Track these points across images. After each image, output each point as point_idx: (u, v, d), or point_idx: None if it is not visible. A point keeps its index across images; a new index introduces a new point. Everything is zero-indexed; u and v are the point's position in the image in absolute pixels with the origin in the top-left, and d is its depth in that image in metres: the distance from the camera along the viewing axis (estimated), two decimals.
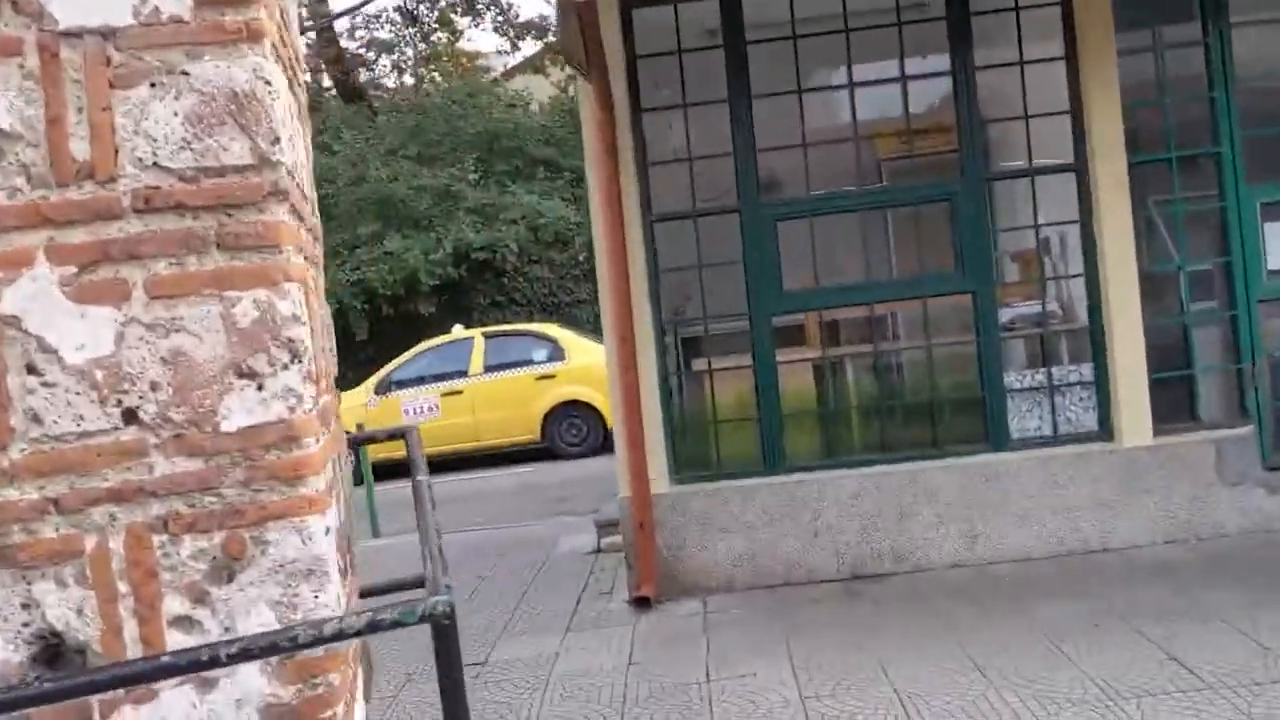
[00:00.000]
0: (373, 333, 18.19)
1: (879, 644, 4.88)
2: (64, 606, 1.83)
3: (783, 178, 6.28)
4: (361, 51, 26.57)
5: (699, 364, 6.28)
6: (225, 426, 1.86)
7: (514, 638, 5.54)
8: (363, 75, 25.87)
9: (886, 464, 6.13)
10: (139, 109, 1.84)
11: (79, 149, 1.83)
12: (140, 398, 1.84)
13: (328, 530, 1.93)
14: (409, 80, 26.90)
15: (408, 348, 15.50)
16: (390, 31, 26.38)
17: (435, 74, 26.47)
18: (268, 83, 1.88)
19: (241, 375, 1.86)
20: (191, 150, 1.85)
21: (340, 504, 2.31)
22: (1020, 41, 6.16)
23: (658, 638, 5.27)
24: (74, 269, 1.82)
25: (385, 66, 27.33)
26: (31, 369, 1.81)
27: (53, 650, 1.86)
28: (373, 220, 19.01)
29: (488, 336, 15.22)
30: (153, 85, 1.85)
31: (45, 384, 1.81)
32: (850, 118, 6.21)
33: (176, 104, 1.85)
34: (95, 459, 1.83)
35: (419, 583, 3.27)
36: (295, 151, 2.08)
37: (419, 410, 14.62)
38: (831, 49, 6.14)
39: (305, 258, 2.17)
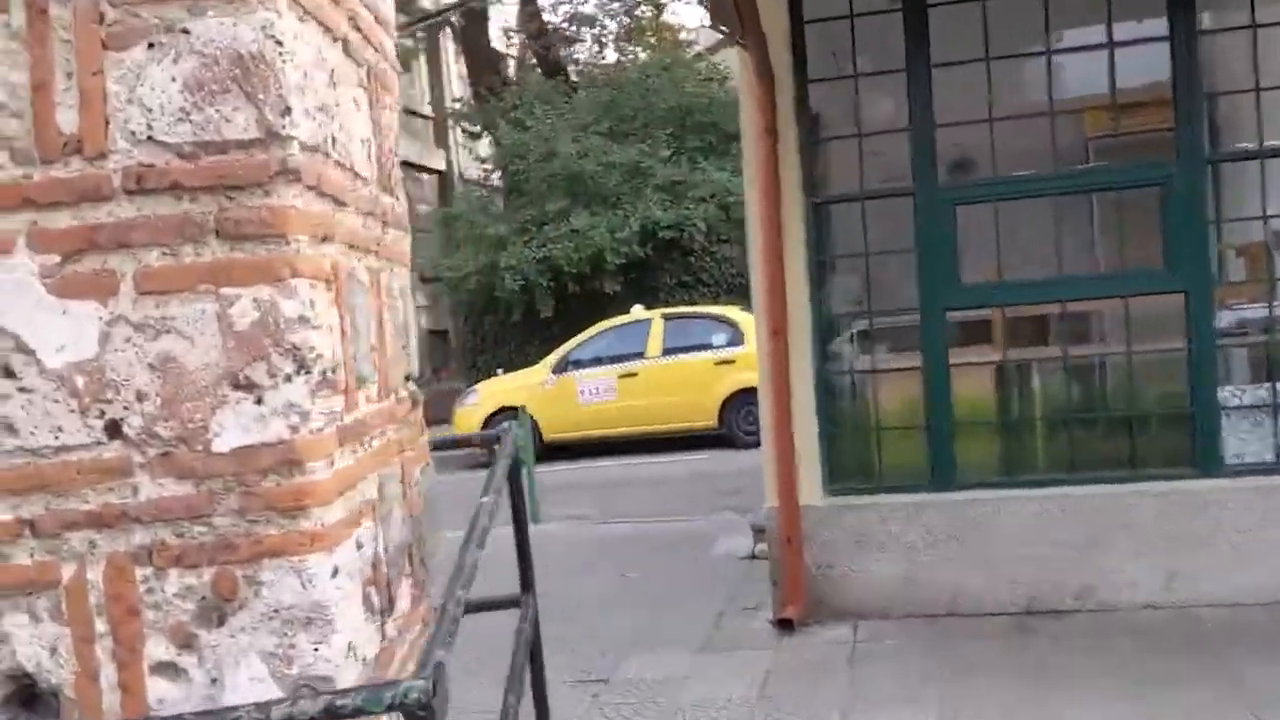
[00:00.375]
0: (558, 311, 18.34)
1: (1050, 694, 4.40)
2: (36, 644, 1.65)
3: (964, 157, 5.79)
4: (564, 26, 26.83)
5: (861, 363, 5.86)
6: (217, 446, 1.64)
7: (644, 652, 5.30)
8: (563, 50, 26.11)
9: (1074, 485, 5.58)
10: (134, 74, 1.64)
11: (66, 120, 1.64)
12: (125, 409, 1.65)
13: (335, 572, 1.70)
14: (611, 55, 27.01)
15: (592, 326, 15.53)
16: (594, 5, 26.55)
17: (637, 49, 26.49)
18: (278, 42, 1.64)
19: (237, 387, 1.64)
20: (190, 122, 1.64)
21: (391, 526, 2.09)
22: (1252, 1, 5.46)
23: (797, 667, 4.93)
24: (57, 258, 1.64)
25: (587, 40, 27.53)
26: (8, 372, 1.64)
27: (28, 692, 1.69)
28: (561, 197, 19.15)
29: (666, 318, 15.09)
30: (150, 46, 1.64)
31: (22, 389, 1.64)
32: (1045, 90, 5.65)
33: (175, 68, 1.64)
34: (75, 477, 1.65)
35: (514, 602, 3.05)
36: (329, 124, 1.85)
37: (594, 391, 14.61)
38: (1026, 11, 5.60)
39: (352, 246, 1.94)
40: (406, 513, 2.29)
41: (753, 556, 6.97)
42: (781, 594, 5.51)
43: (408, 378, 2.46)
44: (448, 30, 25.94)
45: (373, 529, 1.96)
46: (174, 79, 1.64)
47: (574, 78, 23.99)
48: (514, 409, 13.73)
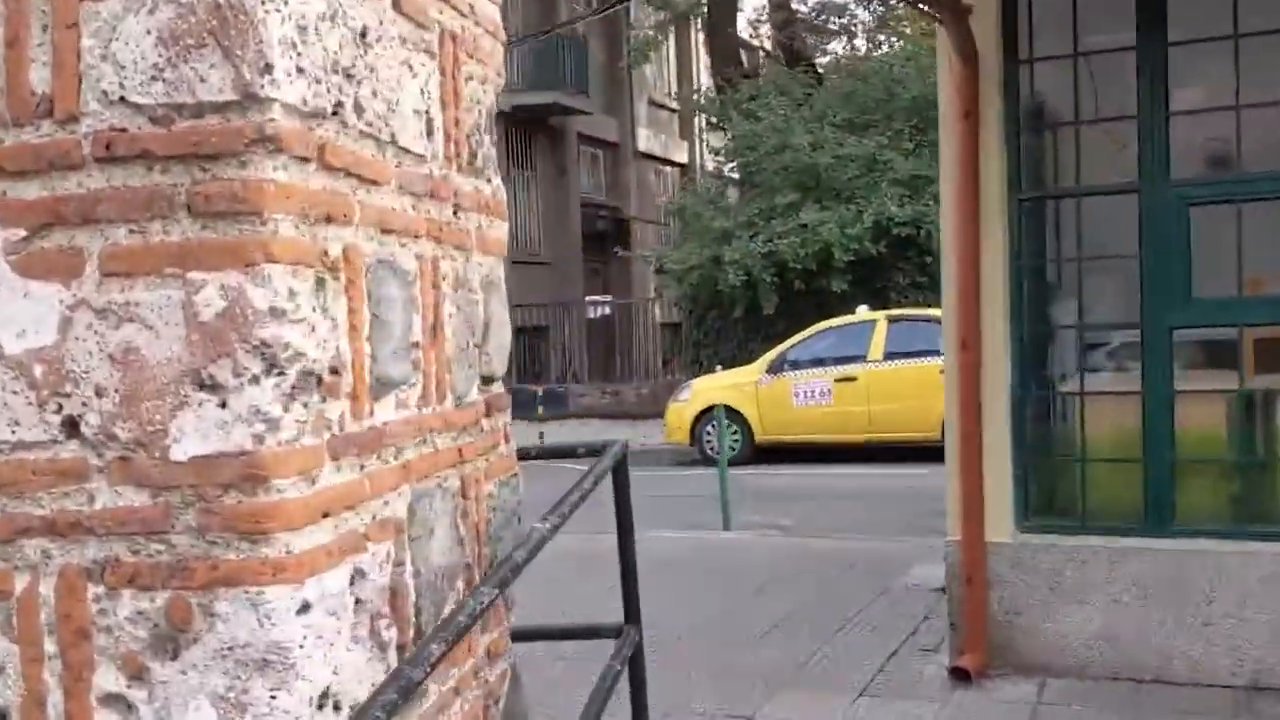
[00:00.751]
0: (781, 308, 17.94)
1: None
2: None
3: (1203, 150, 5.09)
4: (811, 15, 26.39)
5: (1068, 384, 5.26)
6: (175, 453, 1.44)
7: (798, 688, 4.93)
8: (809, 39, 25.68)
9: None
10: (109, 25, 1.46)
11: (39, 79, 1.47)
12: (83, 405, 1.47)
13: (305, 607, 1.47)
14: (860, 44, 26.34)
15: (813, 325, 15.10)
16: None
17: (889, 38, 25.72)
18: None
19: (201, 386, 1.43)
20: (164, 81, 1.44)
21: (431, 548, 1.86)
22: None
23: None
24: (23, 233, 1.47)
25: (835, 29, 26.94)
26: None
27: None
28: (791, 190, 18.77)
29: (891, 320, 14.46)
30: None
31: None
32: None
33: (151, 18, 1.45)
34: (30, 478, 1.48)
35: (617, 631, 2.78)
36: (349, 89, 1.62)
37: (809, 395, 14.20)
38: None
39: (386, 230, 1.72)
40: (467, 531, 2.05)
41: (943, 590, 6.45)
42: (959, 640, 5.00)
43: (488, 380, 2.21)
44: (698, 21, 25.87)
45: (388, 553, 1.72)
46: (149, 31, 1.45)
47: (819, 68, 23.47)
48: (726, 407, 13.50)
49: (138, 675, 1.47)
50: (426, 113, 1.93)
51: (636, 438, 16.16)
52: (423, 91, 1.92)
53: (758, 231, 18.26)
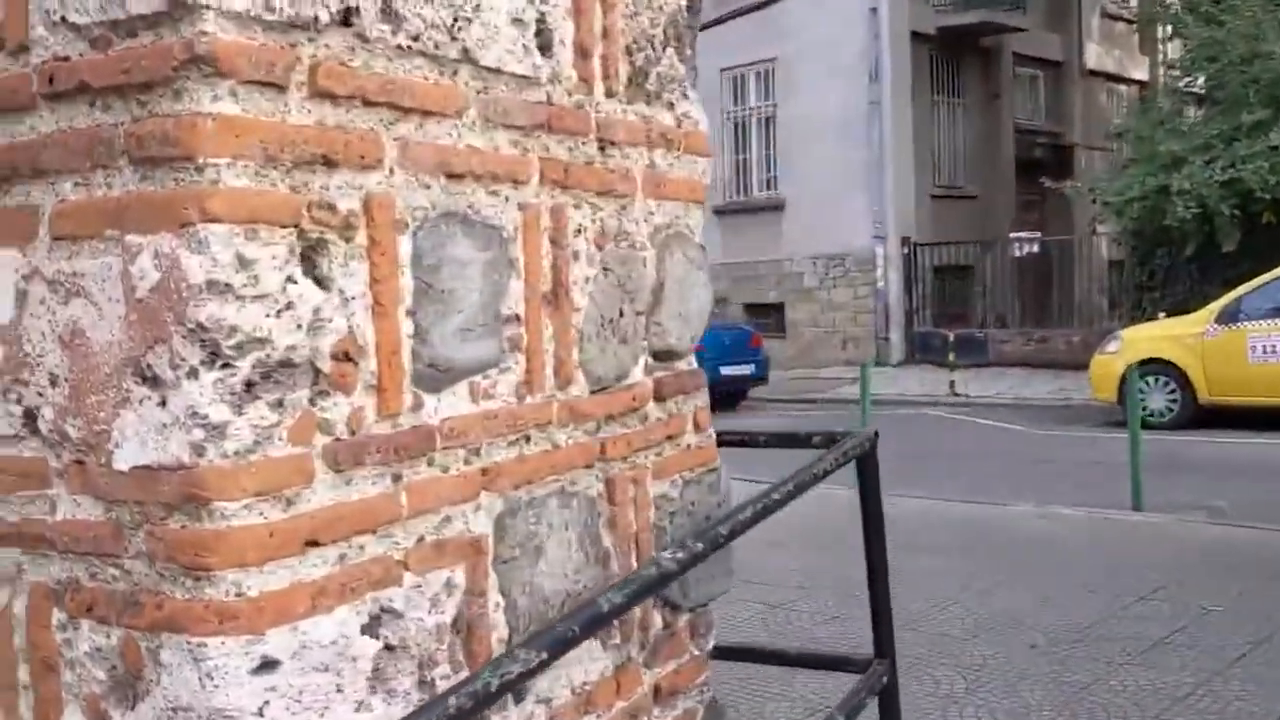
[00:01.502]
0: (1245, 246, 15.75)
1: None
2: None
3: None
4: None
5: None
6: (118, 460, 1.18)
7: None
8: None
9: None
10: None
11: None
12: (39, 395, 1.25)
13: (266, 665, 1.16)
14: None
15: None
16: None
17: None
18: None
19: (142, 379, 1.16)
20: None
21: (536, 569, 1.52)
22: None
23: None
24: None
25: None
26: None
27: None
28: (1260, 106, 16.36)
29: None
30: None
31: None
32: None
33: None
34: (1, 477, 1.28)
35: (865, 665, 2.29)
36: None
37: (1270, 349, 12.33)
38: None
39: (454, 175, 1.38)
40: (618, 544, 1.68)
41: None
42: None
43: (665, 355, 1.82)
44: None
45: (451, 582, 1.38)
46: None
47: None
48: (1161, 361, 12.02)
49: None
50: (539, 21, 1.54)
51: (1057, 391, 14.87)
52: None
53: (1216, 156, 15.99)
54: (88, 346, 1.20)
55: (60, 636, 1.25)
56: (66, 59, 1.18)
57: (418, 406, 1.35)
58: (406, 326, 1.33)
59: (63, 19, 1.18)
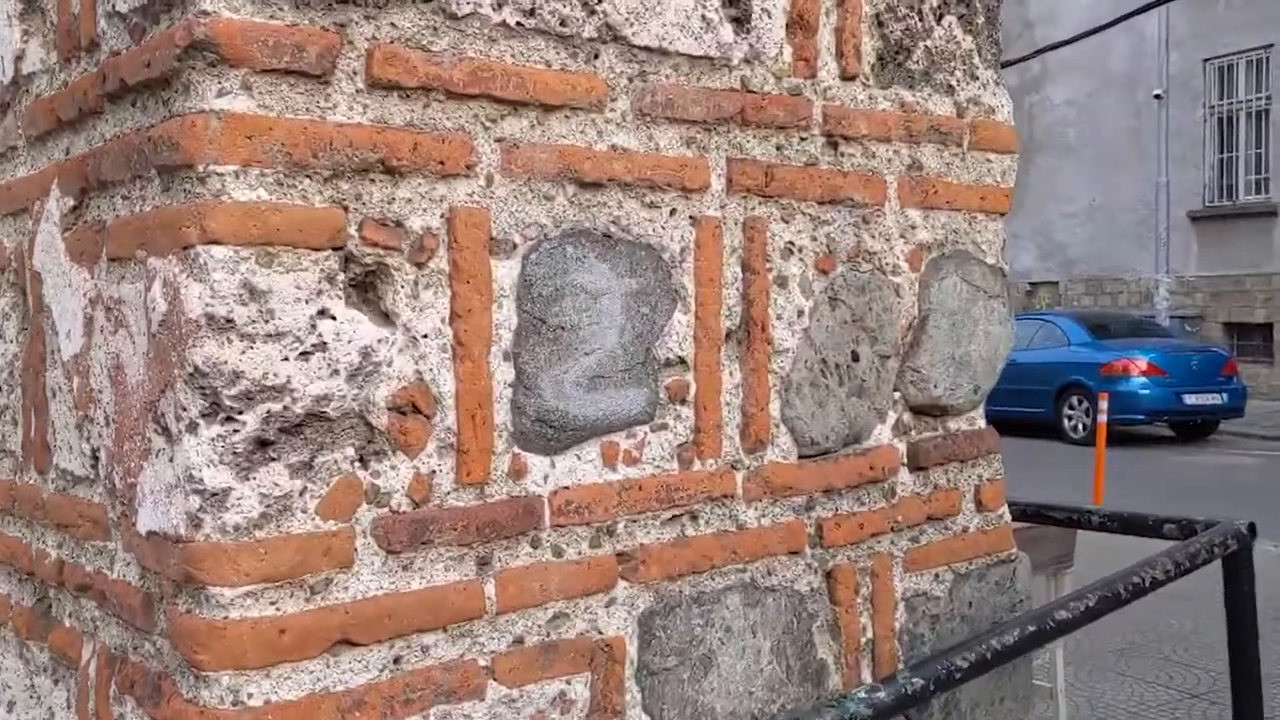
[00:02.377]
0: None
1: None
2: None
3: None
4: None
5: None
6: (140, 520, 1.04)
7: None
8: None
9: None
10: None
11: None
12: (99, 434, 1.13)
13: None
14: None
15: None
16: None
17: None
18: None
19: (160, 428, 1.00)
20: None
21: (718, 673, 1.26)
22: None
23: None
24: (71, 202, 1.17)
25: None
26: (52, 358, 1.23)
27: None
28: None
29: None
30: None
31: (58, 386, 1.22)
32: None
33: None
34: (78, 522, 1.19)
35: None
36: None
37: None
38: None
39: (602, 184, 1.14)
40: (840, 653, 1.36)
41: None
42: None
43: (929, 411, 1.45)
44: None
45: (566, 696, 1.13)
46: None
47: None
48: None
49: None
50: None
51: None
52: None
53: None
54: (125, 384, 1.05)
55: (115, 710, 1.12)
56: (118, 54, 1.04)
57: (519, 472, 1.09)
58: (504, 372, 1.08)
59: (114, 9, 1.04)
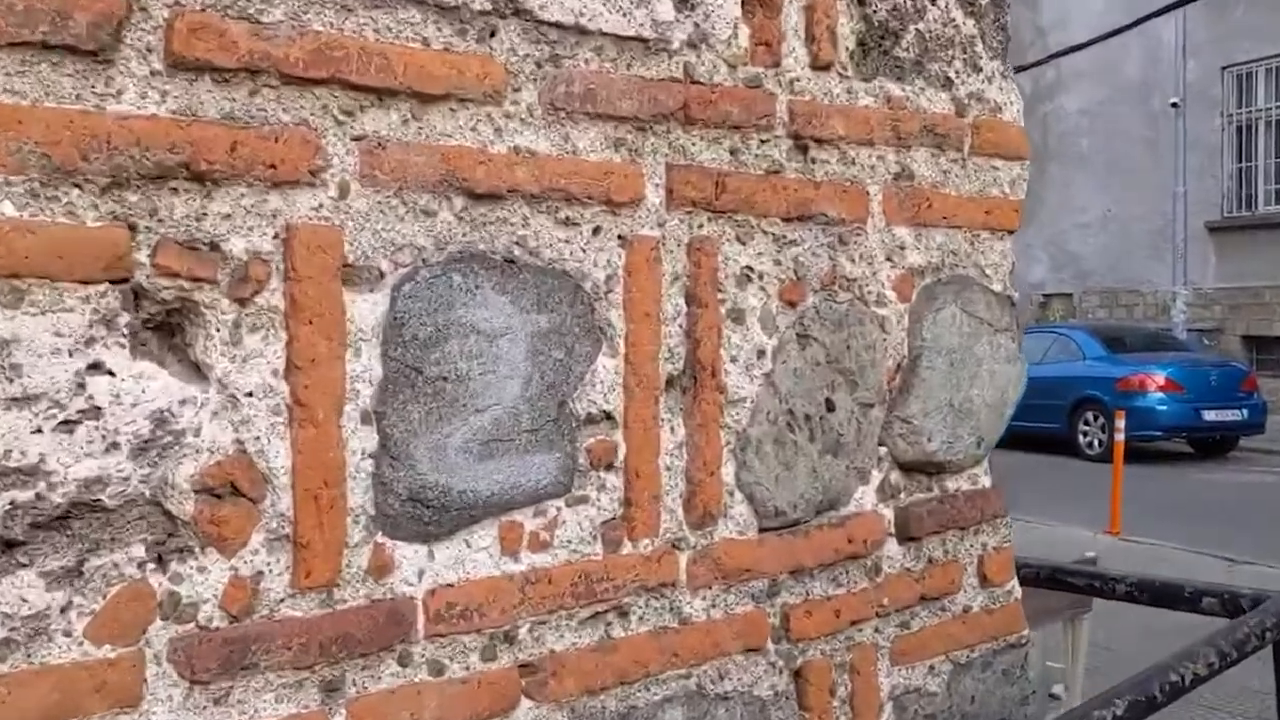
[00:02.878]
0: None
1: None
2: None
3: None
4: None
5: None
6: None
7: None
8: None
9: None
10: None
11: None
12: None
13: None
14: None
15: None
16: None
17: None
18: None
19: None
20: None
21: None
22: None
23: None
24: None
25: None
26: None
27: None
28: None
29: None
30: None
31: None
32: None
33: None
34: None
35: None
36: None
37: None
38: None
39: (486, 195, 0.90)
40: None
41: None
42: None
43: (920, 469, 1.21)
44: None
45: None
46: None
47: None
48: None
49: None
50: None
51: None
52: None
53: None
54: None
55: None
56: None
57: (383, 568, 0.84)
58: (362, 438, 0.83)
59: None
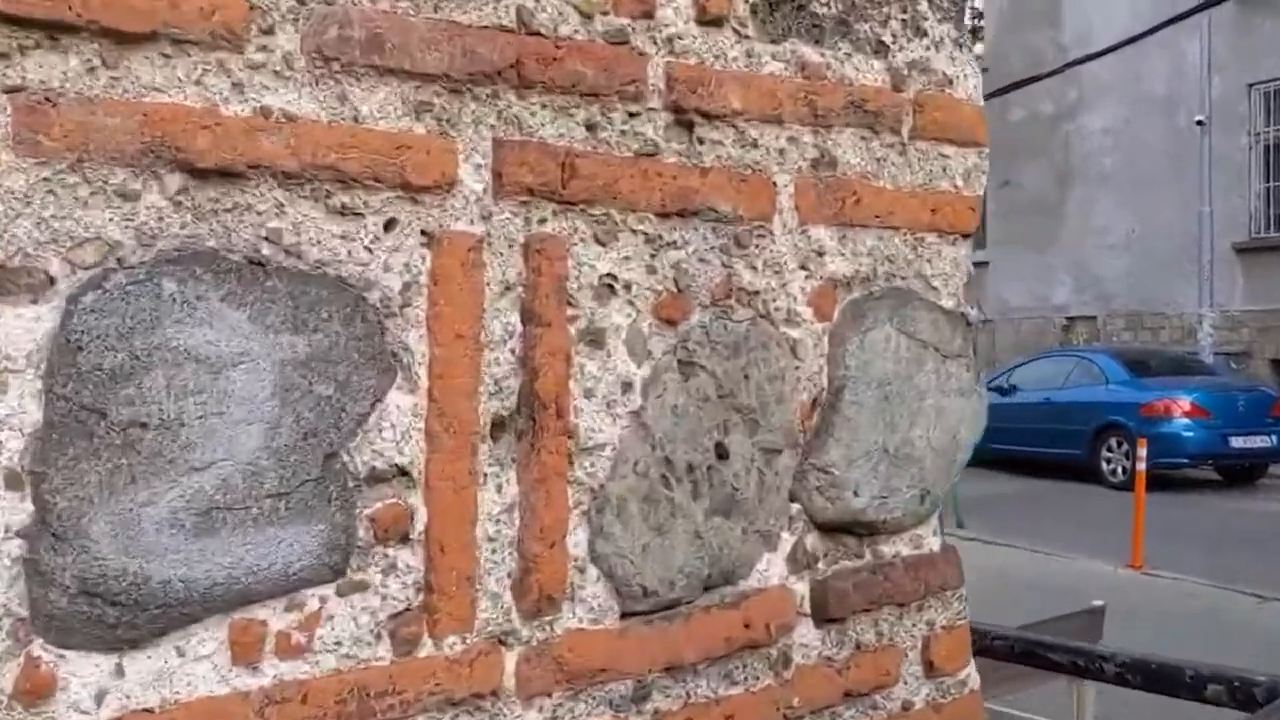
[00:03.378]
0: None
1: None
2: None
3: None
4: None
5: None
6: None
7: None
8: None
9: None
10: None
11: None
12: None
13: None
14: None
15: None
16: None
17: None
18: None
19: None
20: None
21: None
22: None
23: None
24: None
25: None
26: None
27: None
28: None
29: None
30: None
31: None
32: None
33: None
34: None
35: None
36: None
37: None
38: None
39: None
40: None
41: None
42: None
43: (837, 529, 0.97)
44: None
45: None
46: None
47: None
48: None
49: None
50: None
51: None
52: None
53: None
54: None
55: None
56: None
57: (39, 689, 0.61)
58: (4, 511, 0.60)
59: None
